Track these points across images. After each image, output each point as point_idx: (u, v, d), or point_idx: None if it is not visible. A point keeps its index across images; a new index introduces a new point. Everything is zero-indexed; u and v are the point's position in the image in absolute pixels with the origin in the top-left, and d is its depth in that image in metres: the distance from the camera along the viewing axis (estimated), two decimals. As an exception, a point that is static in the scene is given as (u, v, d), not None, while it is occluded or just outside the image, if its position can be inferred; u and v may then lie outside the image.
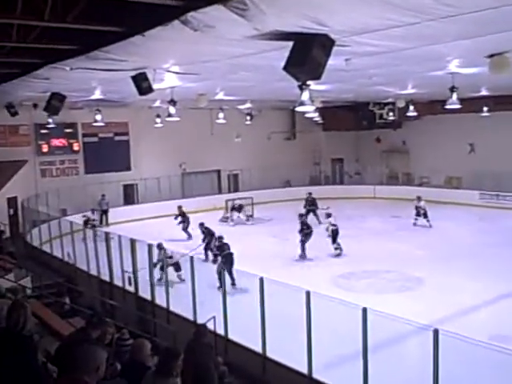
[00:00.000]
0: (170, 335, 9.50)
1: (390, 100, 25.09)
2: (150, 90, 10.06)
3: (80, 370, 3.89)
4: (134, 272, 13.57)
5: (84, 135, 25.27)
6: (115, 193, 25.38)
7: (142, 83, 9.92)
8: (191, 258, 11.50)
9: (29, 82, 11.58)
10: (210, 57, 8.68)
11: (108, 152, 25.52)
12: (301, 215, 18.90)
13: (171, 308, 11.96)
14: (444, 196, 26.70)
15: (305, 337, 8.60)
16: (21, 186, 22.23)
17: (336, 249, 17.75)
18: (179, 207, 21.71)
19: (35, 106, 18.50)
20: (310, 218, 21.05)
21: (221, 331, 10.13)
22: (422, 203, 22.11)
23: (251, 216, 24.91)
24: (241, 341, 9.78)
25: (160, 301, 12.45)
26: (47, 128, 21.21)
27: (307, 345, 8.55)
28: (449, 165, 27.77)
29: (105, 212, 23.80)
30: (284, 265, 16.13)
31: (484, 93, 20.71)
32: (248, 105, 24.73)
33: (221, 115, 23.24)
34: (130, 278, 13.81)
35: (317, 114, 23.70)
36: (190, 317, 11.12)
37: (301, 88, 8.59)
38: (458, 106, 13.84)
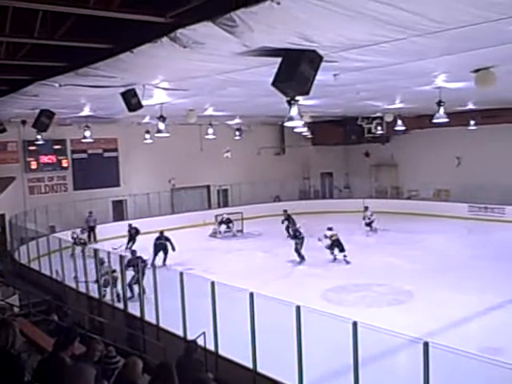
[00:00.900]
0: (159, 352, 9.42)
1: (378, 114, 25.27)
2: (139, 106, 10.09)
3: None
4: (123, 288, 13.48)
5: (73, 151, 25.17)
6: (104, 209, 25.29)
7: (131, 99, 9.95)
8: (181, 273, 11.43)
9: (18, 98, 11.58)
10: (199, 73, 8.73)
11: (97, 168, 25.45)
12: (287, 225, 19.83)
13: (161, 324, 11.89)
14: (433, 209, 26.87)
15: (295, 351, 8.56)
16: (9, 203, 22.04)
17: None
18: None
19: (24, 122, 18.46)
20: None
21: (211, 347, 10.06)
22: (369, 213, 22.12)
23: (241, 231, 24.89)
24: (231, 356, 9.72)
25: (149, 317, 12.36)
26: (36, 144, 21.12)
27: (298, 359, 8.50)
28: (437, 178, 27.97)
29: (92, 229, 23.56)
30: (274, 279, 16.08)
31: (471, 107, 20.95)
32: (237, 120, 24.83)
33: (210, 131, 23.29)
34: (118, 295, 13.73)
35: (306, 129, 23.82)
36: (180, 333, 11.03)
37: (289, 103, 8.64)
38: (446, 120, 13.97)
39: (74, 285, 15.22)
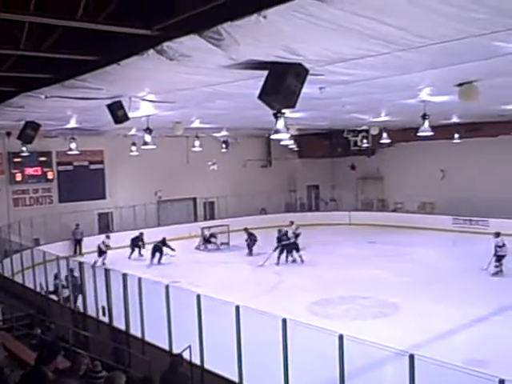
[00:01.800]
0: (145, 366, 9.33)
1: (363, 127, 25.47)
2: (125, 118, 10.08)
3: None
4: (109, 302, 13.35)
5: (58, 163, 25.01)
6: (90, 221, 25.11)
7: (117, 112, 9.94)
8: (167, 286, 11.37)
9: (3, 110, 11.51)
10: (185, 85, 8.75)
11: (83, 180, 25.29)
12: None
13: (146, 338, 11.79)
14: (418, 221, 27.04)
15: (281, 365, 8.53)
16: (-7, 215, 21.84)
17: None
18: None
19: (8, 134, 18.34)
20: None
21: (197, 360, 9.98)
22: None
23: (227, 244, 24.82)
24: (217, 370, 9.65)
25: (135, 331, 12.26)
26: (21, 156, 20.96)
27: (284, 373, 8.47)
28: (422, 191, 28.18)
29: (79, 242, 23.44)
30: (260, 292, 16.06)
31: (455, 120, 21.19)
32: (224, 133, 24.88)
33: (197, 143, 23.33)
34: (103, 308, 13.58)
35: (292, 142, 23.93)
36: (166, 346, 10.95)
37: (276, 116, 8.69)
38: (430, 133, 14.11)
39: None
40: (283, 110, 8.20)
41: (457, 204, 25.76)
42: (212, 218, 29.20)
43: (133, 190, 26.65)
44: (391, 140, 23.56)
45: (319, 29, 5.24)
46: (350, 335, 7.60)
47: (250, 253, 22.55)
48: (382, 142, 22.97)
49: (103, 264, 19.91)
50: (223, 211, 29.15)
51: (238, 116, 15.62)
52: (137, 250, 22.97)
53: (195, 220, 28.78)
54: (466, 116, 19.98)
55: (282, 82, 6.40)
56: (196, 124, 18.13)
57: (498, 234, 17.91)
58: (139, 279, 12.30)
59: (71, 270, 14.57)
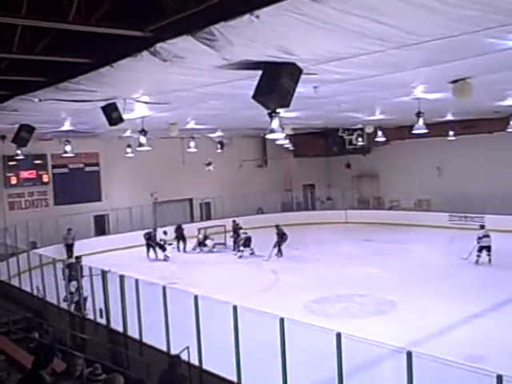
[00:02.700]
0: (143, 367, 9.32)
1: (358, 126, 25.50)
2: (120, 120, 10.06)
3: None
4: (106, 304, 13.33)
5: (54, 166, 24.96)
6: (86, 224, 25.06)
7: (111, 114, 9.92)
8: (164, 287, 11.36)
9: (-3, 113, 11.48)
10: (179, 86, 8.75)
11: (78, 183, 25.26)
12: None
13: (144, 339, 11.79)
14: (414, 219, 27.07)
15: (280, 364, 8.53)
16: (-12, 219, 21.79)
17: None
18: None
19: (3, 137, 18.29)
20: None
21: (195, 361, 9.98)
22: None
23: (224, 244, 24.80)
24: (215, 370, 9.66)
25: (132, 332, 12.25)
26: (16, 160, 20.93)
27: (282, 372, 8.48)
28: (418, 188, 28.26)
29: (70, 246, 22.91)
30: (258, 292, 16.06)
31: (450, 117, 21.24)
32: (219, 133, 24.87)
33: (192, 144, 23.31)
34: (101, 310, 13.56)
35: (287, 141, 23.95)
36: (164, 348, 10.94)
37: (270, 116, 8.69)
38: (425, 131, 14.15)
39: (55, 301, 15.02)
40: (278, 110, 8.21)
41: (453, 201, 25.83)
42: (208, 218, 29.19)
43: (129, 191, 26.62)
44: (386, 138, 23.61)
45: (312, 28, 5.25)
46: (347, 333, 7.61)
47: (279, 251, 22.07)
48: (377, 140, 23.01)
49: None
50: (219, 212, 29.13)
51: (232, 116, 15.61)
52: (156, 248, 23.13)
53: (192, 221, 28.75)
54: (461, 113, 20.03)
55: (276, 82, 6.40)
56: (191, 125, 18.12)
57: (481, 227, 19.42)
58: (136, 281, 12.29)
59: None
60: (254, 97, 6.60)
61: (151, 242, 23.03)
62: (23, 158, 19.78)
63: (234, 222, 24.80)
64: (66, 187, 24.96)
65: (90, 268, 14.27)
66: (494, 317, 13.04)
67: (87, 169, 26.08)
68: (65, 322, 13.98)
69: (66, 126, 15.68)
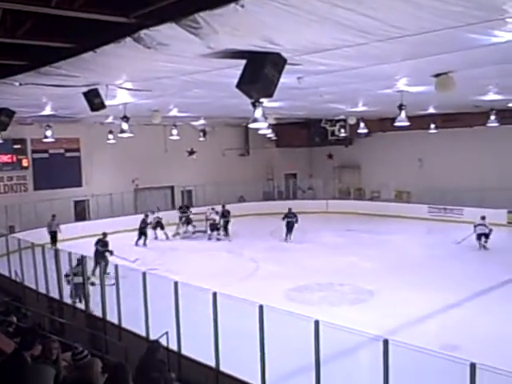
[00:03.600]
0: (121, 352, 9.35)
1: (341, 117, 25.61)
2: (102, 106, 9.99)
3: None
4: (85, 289, 13.31)
5: (33, 151, 24.69)
6: (66, 209, 24.87)
7: (93, 99, 9.84)
8: (144, 273, 11.37)
9: (-24, 97, 11.32)
10: (163, 74, 8.71)
11: (58, 168, 25.03)
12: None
13: (123, 324, 11.81)
14: (394, 210, 27.37)
15: (258, 350, 8.62)
16: (-34, 203, 21.53)
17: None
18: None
19: (-18, 121, 18.01)
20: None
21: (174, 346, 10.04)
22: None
23: (205, 231, 24.82)
24: (194, 356, 9.73)
25: (111, 317, 12.26)
26: (-5, 144, 20.66)
27: (260, 358, 8.57)
28: (399, 180, 28.54)
29: (54, 233, 22.33)
30: (238, 279, 16.13)
31: (431, 111, 21.42)
32: (202, 121, 24.78)
33: (174, 131, 23.18)
34: (79, 295, 13.53)
35: (270, 131, 23.97)
36: (143, 333, 10.97)
37: (254, 105, 8.71)
38: (407, 124, 14.25)
39: (33, 285, 14.94)
40: (261, 99, 8.23)
41: (432, 193, 26.14)
42: (190, 206, 29.13)
43: (110, 177, 26.45)
44: (368, 130, 23.75)
45: (297, 19, 5.27)
46: (326, 321, 7.71)
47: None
48: (359, 131, 23.14)
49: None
50: (201, 200, 29.11)
51: (216, 105, 15.58)
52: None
53: (173, 208, 28.67)
54: (443, 107, 20.22)
55: (260, 72, 6.41)
56: (174, 112, 18.04)
57: (482, 218, 20.13)
58: (116, 266, 12.29)
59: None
60: (238, 86, 6.61)
61: (145, 229, 22.91)
62: (2, 143, 19.50)
63: (223, 206, 24.98)
64: (45, 172, 24.73)
65: (70, 253, 14.20)
66: (470, 306, 13.29)
67: (68, 154, 25.84)
68: (43, 306, 13.94)
69: (47, 111, 15.52)
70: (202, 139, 27.49)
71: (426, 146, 27.21)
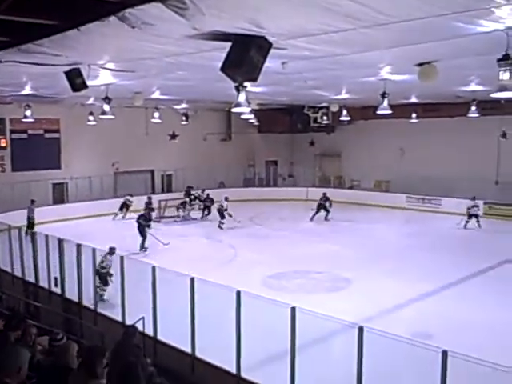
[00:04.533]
0: (97, 337, 9.32)
1: (324, 104, 25.63)
2: (83, 86, 9.82)
3: (0, 371, 3.81)
4: (61, 273, 13.19)
5: (12, 131, 24.28)
6: (44, 192, 24.58)
7: (75, 79, 9.67)
8: (121, 257, 11.32)
9: (-47, 74, 11.06)
10: (147, 54, 8.59)
11: (37, 149, 24.65)
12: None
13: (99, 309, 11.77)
14: (373, 199, 27.59)
15: (234, 336, 8.65)
16: None
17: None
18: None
19: (-41, 99, 17.68)
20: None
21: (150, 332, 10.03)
22: (226, 204, 22.86)
23: (183, 217, 24.78)
24: (170, 341, 9.74)
25: (87, 302, 12.21)
26: (-28, 123, 20.30)
27: (236, 344, 8.60)
28: (379, 169, 28.72)
29: (31, 220, 21.16)
30: (216, 266, 16.13)
31: (413, 100, 21.55)
32: (184, 105, 24.61)
33: (156, 114, 22.99)
34: (56, 279, 13.39)
35: (252, 116, 23.89)
36: (119, 318, 10.94)
37: (237, 89, 8.68)
38: (389, 112, 14.33)
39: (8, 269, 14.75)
40: (245, 83, 8.19)
41: (412, 183, 26.37)
42: (170, 190, 29.03)
43: (89, 160, 26.15)
44: (351, 118, 23.81)
45: (284, 2, 5.23)
46: (302, 308, 7.76)
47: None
48: (341, 119, 23.18)
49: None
50: (181, 184, 29.01)
51: (199, 88, 15.47)
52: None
53: (153, 192, 28.51)
54: (425, 96, 20.34)
55: (245, 55, 6.35)
56: (156, 95, 17.88)
57: (473, 198, 22.24)
58: (93, 250, 12.21)
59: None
60: (222, 69, 6.54)
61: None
62: (-20, 122, 19.22)
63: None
64: (24, 153, 24.34)
65: (47, 236, 14.06)
66: (446, 295, 13.49)
67: (47, 135, 25.47)
68: (19, 290, 13.81)
69: (27, 90, 15.24)
70: (184, 123, 27.33)
71: (407, 136, 27.37)
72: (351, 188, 30.53)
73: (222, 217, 22.49)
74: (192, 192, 26.66)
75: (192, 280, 9.43)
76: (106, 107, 14.29)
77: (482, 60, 9.15)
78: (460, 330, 10.83)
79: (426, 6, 5.38)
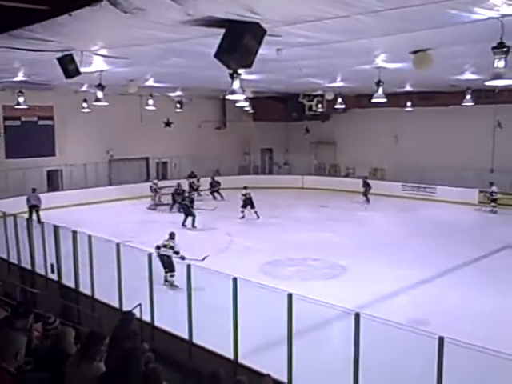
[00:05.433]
0: (94, 323, 9.33)
1: (319, 92, 25.56)
2: (76, 73, 9.75)
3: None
4: (58, 259, 13.21)
5: (5, 118, 24.11)
6: (38, 179, 24.50)
7: (68, 66, 9.59)
8: (117, 244, 11.31)
9: None
10: (140, 41, 8.52)
11: (31, 136, 24.50)
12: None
13: (96, 296, 11.78)
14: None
15: (231, 323, 8.68)
16: None
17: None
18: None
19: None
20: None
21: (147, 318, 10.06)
22: (248, 191, 22.49)
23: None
24: (167, 328, 9.77)
25: (84, 288, 12.22)
26: (-35, 109, 20.14)
27: (233, 331, 8.64)
28: (374, 157, 28.73)
29: (34, 208, 20.61)
30: (212, 253, 16.08)
31: (408, 88, 21.53)
32: (178, 92, 24.52)
33: (150, 102, 22.89)
34: (52, 266, 13.41)
35: (247, 104, 23.82)
36: (116, 304, 10.96)
37: (232, 76, 8.63)
38: (384, 100, 14.30)
39: (5, 255, 14.74)
40: (239, 70, 8.14)
41: (407, 171, 26.42)
42: (164, 178, 28.98)
43: (84, 147, 26.05)
44: (346, 106, 23.74)
45: (278, -13, 5.19)
46: (299, 294, 7.78)
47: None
48: (336, 107, 23.12)
49: None
50: (176, 172, 28.95)
51: (193, 75, 15.38)
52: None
53: (147, 180, 28.46)
54: (419, 85, 20.32)
55: (239, 41, 6.31)
56: (150, 82, 17.79)
57: (491, 184, 23.00)
58: (89, 237, 12.19)
59: None
60: (216, 55, 6.49)
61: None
62: (-28, 108, 19.06)
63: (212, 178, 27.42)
64: (18, 140, 24.20)
65: (42, 223, 14.05)
66: (440, 283, 13.56)
67: (41, 122, 25.31)
68: (15, 276, 13.81)
69: (20, 77, 15.13)
70: (178, 110, 27.25)
71: (402, 124, 27.38)
72: (347, 176, 30.55)
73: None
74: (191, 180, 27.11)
75: (189, 267, 9.45)
76: (100, 94, 14.21)
77: (476, 48, 9.13)
78: (456, 318, 10.88)
79: (422, -8, 5.35)
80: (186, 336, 9.43)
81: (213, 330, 9.30)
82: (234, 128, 31.88)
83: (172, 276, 13.09)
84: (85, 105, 22.41)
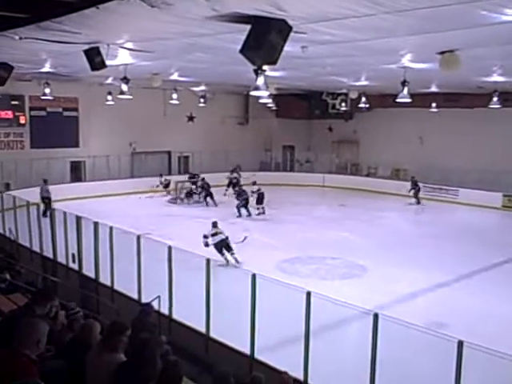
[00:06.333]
0: (113, 313, 9.43)
1: (343, 91, 25.42)
2: (102, 65, 9.84)
3: (20, 342, 3.87)
4: (79, 250, 13.37)
5: (31, 108, 24.43)
6: (62, 169, 24.82)
7: (94, 58, 9.68)
8: (138, 236, 11.41)
9: (-26, 50, 11.12)
10: (166, 35, 8.57)
11: (56, 127, 24.80)
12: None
13: (116, 287, 11.89)
14: (390, 187, 27.36)
15: (249, 319, 8.70)
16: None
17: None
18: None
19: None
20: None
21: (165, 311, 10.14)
22: (256, 188, 22.36)
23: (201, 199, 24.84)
24: (185, 321, 9.83)
25: (104, 279, 12.34)
26: (-8, 99, 20.43)
27: (251, 326, 8.65)
28: (396, 157, 28.46)
29: (46, 199, 20.25)
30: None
31: (433, 89, 21.28)
32: (202, 87, 24.58)
33: (174, 96, 22.99)
34: (73, 255, 13.58)
35: (271, 100, 23.79)
36: (135, 296, 11.06)
37: (256, 72, 8.62)
38: (409, 100, 14.15)
39: (27, 244, 14.95)
40: (264, 67, 8.13)
41: (429, 172, 26.14)
42: (186, 172, 29.10)
43: (107, 139, 26.28)
44: (369, 105, 23.61)
45: (306, -16, 5.17)
46: (317, 292, 7.77)
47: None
48: (360, 106, 22.99)
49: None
50: (197, 166, 29.06)
51: (217, 70, 15.40)
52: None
53: (169, 173, 28.63)
54: (445, 86, 20.07)
55: (265, 38, 6.31)
56: (174, 76, 17.85)
57: None
58: (111, 228, 12.31)
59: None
60: (242, 51, 6.50)
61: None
62: (0, 98, 19.30)
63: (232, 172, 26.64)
64: (43, 131, 24.52)
65: (65, 213, 14.22)
66: (459, 286, 13.38)
67: (66, 113, 25.59)
68: (37, 264, 14.01)
69: (46, 68, 15.31)
70: (201, 105, 27.30)
71: (426, 125, 27.07)
72: (368, 175, 30.36)
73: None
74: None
75: (208, 261, 9.49)
76: (124, 87, 14.31)
77: (505, 50, 9.00)
78: (474, 322, 10.76)
79: (451, -9, 5.29)
80: (203, 330, 9.48)
81: (230, 324, 9.34)
82: (257, 124, 31.86)
83: (233, 254, 14.50)
84: (109, 97, 22.59)
